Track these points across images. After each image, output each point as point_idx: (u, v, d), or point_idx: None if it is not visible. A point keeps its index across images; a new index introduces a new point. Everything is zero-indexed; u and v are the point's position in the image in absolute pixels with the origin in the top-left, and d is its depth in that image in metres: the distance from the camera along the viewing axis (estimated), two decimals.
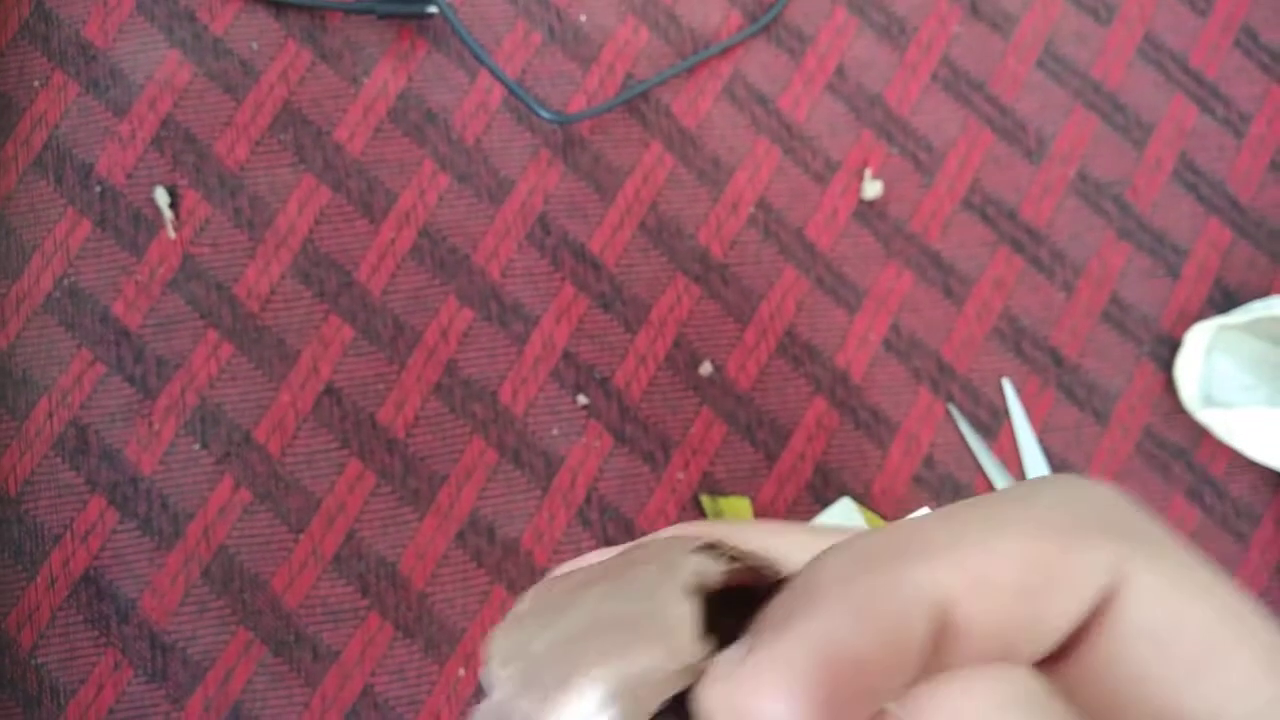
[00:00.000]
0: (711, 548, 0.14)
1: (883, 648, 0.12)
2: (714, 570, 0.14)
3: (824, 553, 0.13)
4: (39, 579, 0.36)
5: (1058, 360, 0.41)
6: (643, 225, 0.40)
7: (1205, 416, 0.40)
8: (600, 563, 0.15)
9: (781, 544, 0.15)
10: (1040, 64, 0.43)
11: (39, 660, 0.36)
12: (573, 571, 0.15)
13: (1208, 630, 0.14)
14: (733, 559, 0.14)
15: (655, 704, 0.13)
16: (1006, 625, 0.13)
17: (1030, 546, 0.13)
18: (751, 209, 0.41)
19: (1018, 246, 0.42)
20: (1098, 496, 0.14)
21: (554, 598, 0.14)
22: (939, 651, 0.13)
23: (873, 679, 0.12)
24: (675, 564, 0.14)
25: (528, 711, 0.13)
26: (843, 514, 0.36)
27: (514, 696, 0.13)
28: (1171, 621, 0.14)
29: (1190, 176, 0.43)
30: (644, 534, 0.39)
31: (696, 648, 0.13)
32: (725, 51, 0.41)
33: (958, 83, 0.42)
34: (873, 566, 0.13)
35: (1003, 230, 0.42)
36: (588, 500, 0.39)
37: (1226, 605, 0.14)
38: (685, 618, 0.13)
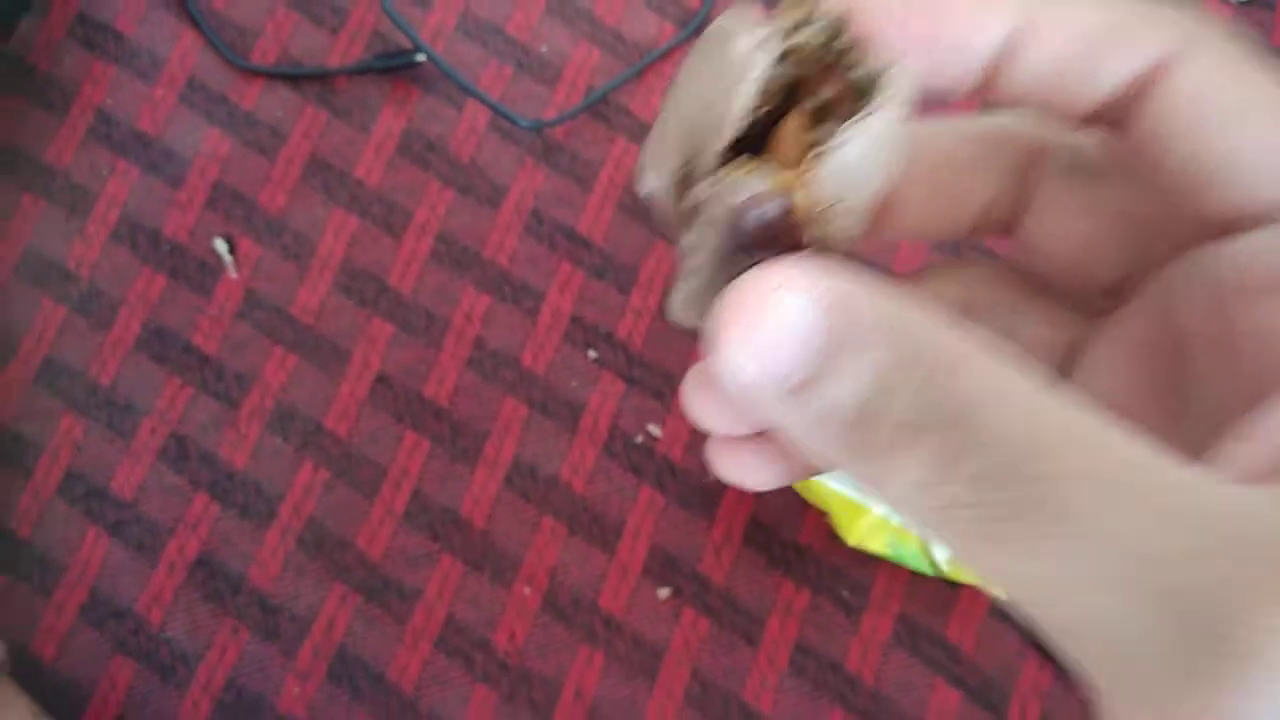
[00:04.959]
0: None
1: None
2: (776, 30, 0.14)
3: None
4: (160, 566, 0.42)
5: None
6: (620, 205, 0.48)
7: None
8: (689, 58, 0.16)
9: None
10: None
11: (168, 634, 0.42)
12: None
13: (1246, 100, 0.14)
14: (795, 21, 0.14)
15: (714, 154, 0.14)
16: (1065, 67, 0.15)
17: (1100, 10, 0.15)
18: None
19: None
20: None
21: (664, 106, 0.16)
22: (994, 81, 0.15)
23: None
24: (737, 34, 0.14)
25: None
26: None
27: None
28: (1217, 91, 0.14)
29: None
30: (666, 459, 0.45)
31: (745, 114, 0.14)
32: (665, 55, 0.50)
33: None
34: None
35: None
36: (611, 435, 0.45)
37: (1270, 88, 0.15)
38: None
